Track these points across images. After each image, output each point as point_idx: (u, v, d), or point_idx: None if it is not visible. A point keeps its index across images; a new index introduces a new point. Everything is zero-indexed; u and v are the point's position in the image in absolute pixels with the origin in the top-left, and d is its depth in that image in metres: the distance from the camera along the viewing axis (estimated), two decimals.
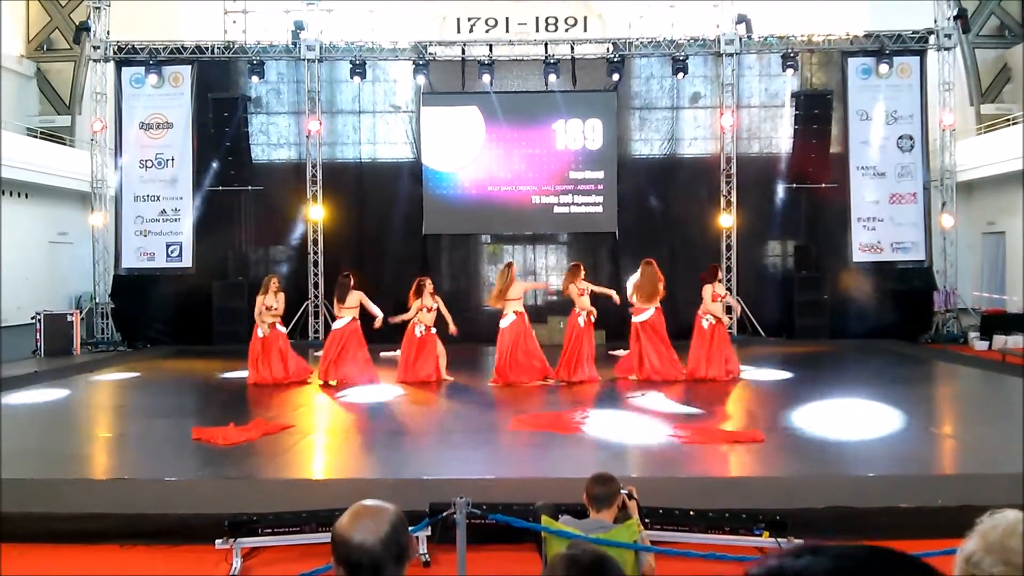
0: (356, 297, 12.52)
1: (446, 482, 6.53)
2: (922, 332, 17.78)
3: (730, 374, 12.49)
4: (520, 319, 12.37)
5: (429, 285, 12.52)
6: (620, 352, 13.80)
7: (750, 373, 12.90)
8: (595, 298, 12.59)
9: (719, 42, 18.00)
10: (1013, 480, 6.34)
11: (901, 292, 17.88)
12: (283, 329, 12.96)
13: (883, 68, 17.81)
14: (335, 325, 12.84)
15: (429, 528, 5.23)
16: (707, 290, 12.64)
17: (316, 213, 18.26)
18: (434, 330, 12.48)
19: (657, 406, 10.56)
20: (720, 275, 12.93)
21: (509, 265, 12.83)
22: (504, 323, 12.38)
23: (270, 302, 12.57)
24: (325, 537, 5.20)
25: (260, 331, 12.53)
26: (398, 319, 12.45)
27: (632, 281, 12.59)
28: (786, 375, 13.07)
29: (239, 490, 6.78)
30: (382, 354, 14.01)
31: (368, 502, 2.04)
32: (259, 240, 19.06)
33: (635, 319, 12.56)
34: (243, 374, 12.90)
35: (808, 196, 18.26)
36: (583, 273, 12.62)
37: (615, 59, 17.94)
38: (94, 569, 5.43)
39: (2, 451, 7.47)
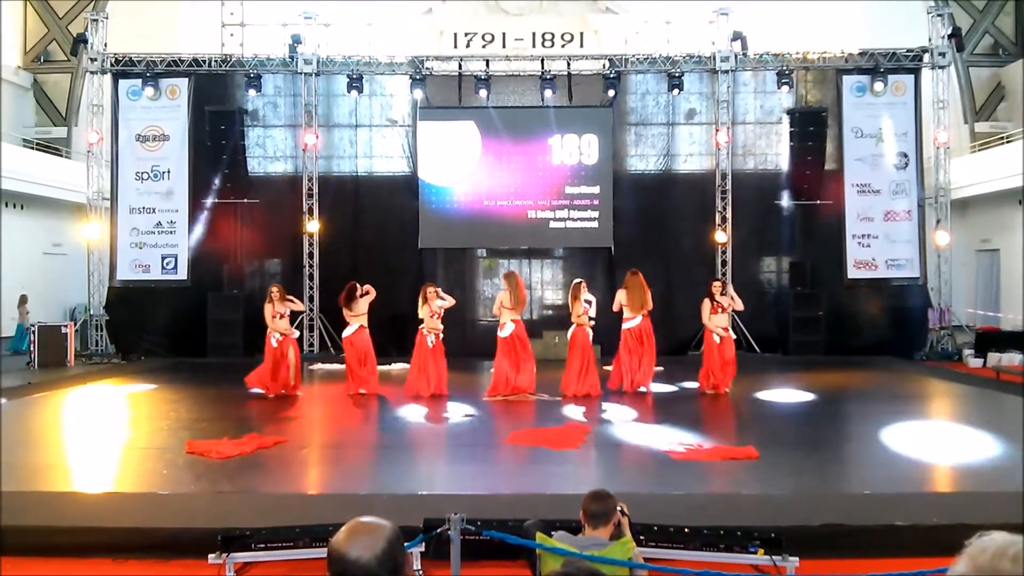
0: (364, 303, 12.57)
1: (440, 497, 6.51)
2: (917, 349, 17.81)
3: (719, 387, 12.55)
4: (520, 327, 12.48)
5: (432, 291, 12.48)
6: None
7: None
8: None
9: (715, 59, 18.09)
10: (1009, 498, 6.34)
11: (896, 309, 17.92)
12: (294, 335, 12.84)
13: (878, 86, 17.92)
14: (345, 333, 12.71)
15: (423, 544, 5.20)
16: (704, 305, 12.71)
17: (312, 226, 18.27)
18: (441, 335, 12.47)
19: (653, 424, 10.55)
20: (716, 287, 12.88)
21: (514, 274, 12.96)
22: (505, 332, 12.43)
23: (279, 309, 12.57)
24: (319, 552, 5.17)
25: (273, 340, 12.52)
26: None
27: (620, 293, 12.67)
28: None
29: (232, 504, 6.75)
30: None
31: (365, 518, 2.04)
32: (255, 253, 19.04)
33: (624, 326, 12.66)
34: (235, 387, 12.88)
35: (803, 213, 18.33)
36: (583, 291, 12.60)
37: (611, 75, 18.01)
38: None
39: (1, 463, 7.45)
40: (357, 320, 12.64)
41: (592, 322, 12.52)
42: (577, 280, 13.05)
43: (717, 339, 12.57)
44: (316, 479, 8.33)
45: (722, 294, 12.75)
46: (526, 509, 5.79)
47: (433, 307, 12.30)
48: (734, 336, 12.87)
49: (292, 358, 12.54)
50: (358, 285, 12.77)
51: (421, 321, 12.46)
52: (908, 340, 17.83)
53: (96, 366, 16.92)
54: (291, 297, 12.95)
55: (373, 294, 12.72)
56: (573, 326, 12.60)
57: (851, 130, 18.18)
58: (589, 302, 12.51)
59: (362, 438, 10.20)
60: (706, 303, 12.69)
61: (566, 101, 18.38)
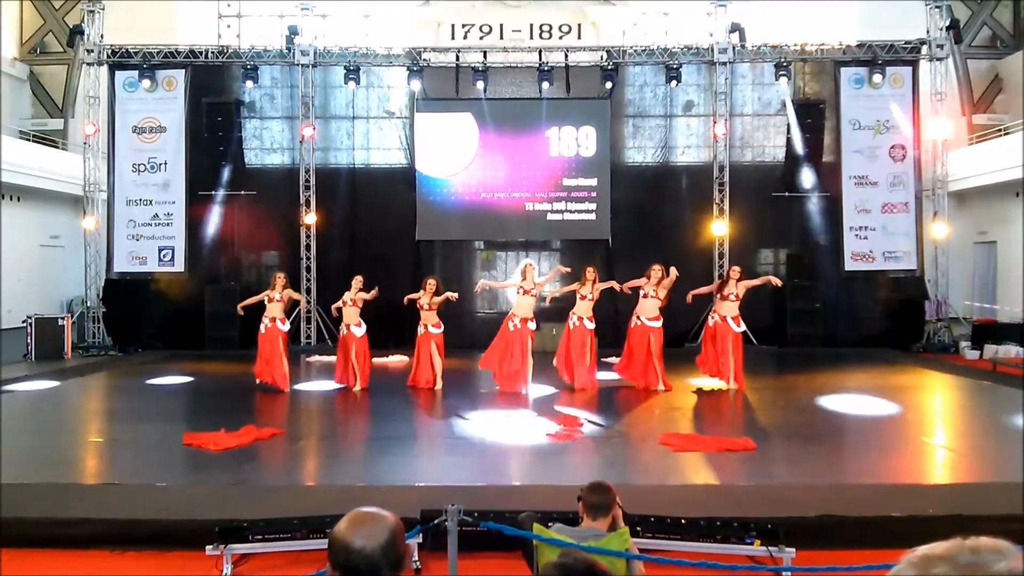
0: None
1: (438, 489, 6.52)
2: (913, 341, 17.82)
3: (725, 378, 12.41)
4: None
5: (429, 285, 12.50)
6: (614, 360, 13.86)
7: None
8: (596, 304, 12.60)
9: (712, 51, 18.05)
10: (1004, 489, 6.37)
11: (893, 301, 17.93)
12: (283, 327, 12.61)
13: (876, 78, 17.90)
14: (359, 332, 12.56)
15: (420, 535, 5.22)
16: (715, 284, 12.70)
17: (309, 218, 18.25)
18: (438, 331, 12.43)
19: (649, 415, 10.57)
20: (734, 272, 12.65)
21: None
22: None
23: (273, 294, 12.47)
24: (316, 543, 5.18)
25: (262, 326, 12.44)
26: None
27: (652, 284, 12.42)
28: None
29: (230, 496, 6.76)
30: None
31: (367, 509, 2.03)
32: (252, 245, 19.02)
33: (654, 324, 12.45)
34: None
35: (801, 205, 18.31)
36: (586, 279, 12.52)
37: (609, 67, 17.98)
38: (85, 574, 5.40)
39: (1, 455, 7.46)
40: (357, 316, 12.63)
41: (580, 315, 12.41)
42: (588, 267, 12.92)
43: (710, 322, 12.52)
44: (313, 471, 8.34)
45: (739, 280, 12.41)
46: (523, 500, 5.80)
47: (422, 302, 12.37)
48: (741, 329, 12.58)
49: (281, 351, 12.42)
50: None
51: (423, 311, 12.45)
52: (905, 332, 17.85)
53: (93, 358, 16.92)
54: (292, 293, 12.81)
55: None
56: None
57: (849, 122, 18.17)
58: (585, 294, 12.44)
59: (359, 430, 10.21)
60: (717, 283, 12.62)
61: (564, 93, 18.33)
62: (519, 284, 12.44)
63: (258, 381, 12.35)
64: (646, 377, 12.31)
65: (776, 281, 12.99)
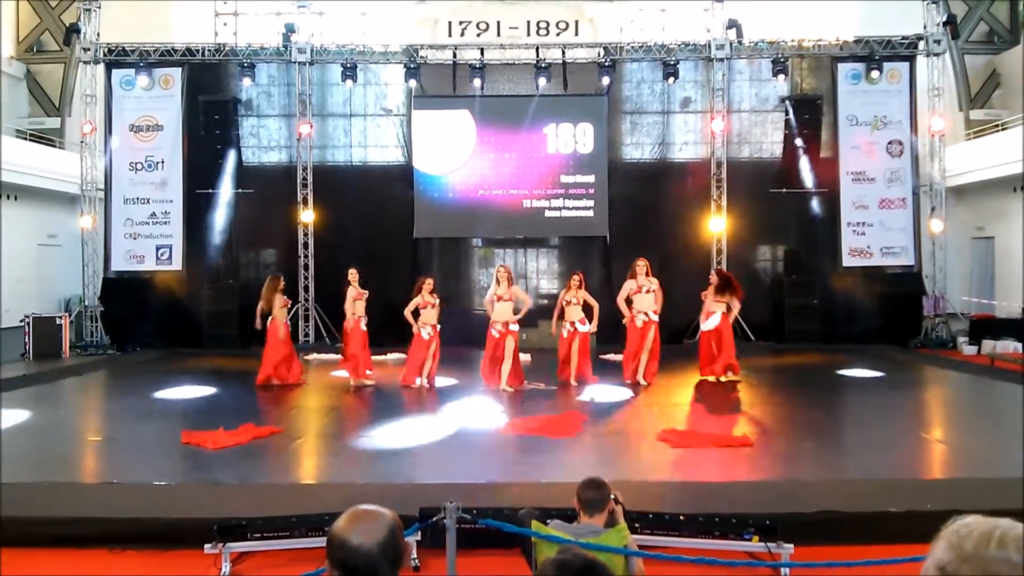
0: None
1: (436, 486, 6.52)
2: (911, 337, 17.83)
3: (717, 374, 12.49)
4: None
5: (427, 284, 12.48)
6: (612, 356, 13.86)
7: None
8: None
9: (710, 47, 18.05)
10: (1002, 484, 6.37)
11: (890, 297, 17.92)
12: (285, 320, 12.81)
13: (873, 74, 17.90)
14: (362, 326, 12.68)
15: (419, 532, 5.22)
16: (708, 293, 12.66)
17: (307, 216, 18.24)
18: (425, 329, 12.44)
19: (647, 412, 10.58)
20: (712, 278, 12.81)
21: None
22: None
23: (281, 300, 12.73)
24: (314, 541, 5.19)
25: (282, 327, 12.68)
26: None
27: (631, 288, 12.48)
28: None
29: (228, 494, 6.75)
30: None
31: (365, 506, 2.04)
32: (250, 243, 19.02)
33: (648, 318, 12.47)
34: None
35: (798, 201, 18.32)
36: (571, 286, 12.56)
37: (606, 63, 17.97)
38: (83, 573, 5.40)
39: (1, 455, 7.46)
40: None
41: (571, 319, 12.45)
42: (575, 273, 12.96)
43: (710, 326, 12.51)
44: (311, 469, 8.34)
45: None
46: (522, 497, 5.80)
47: (426, 299, 12.34)
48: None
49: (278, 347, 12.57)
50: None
51: (416, 313, 12.38)
52: (903, 328, 17.84)
53: (91, 357, 16.90)
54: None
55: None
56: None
57: (846, 118, 18.17)
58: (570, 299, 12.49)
59: (357, 428, 10.20)
60: (711, 291, 12.63)
61: (561, 90, 18.34)
62: (496, 292, 12.35)
63: (276, 382, 12.41)
64: (634, 372, 12.36)
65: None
